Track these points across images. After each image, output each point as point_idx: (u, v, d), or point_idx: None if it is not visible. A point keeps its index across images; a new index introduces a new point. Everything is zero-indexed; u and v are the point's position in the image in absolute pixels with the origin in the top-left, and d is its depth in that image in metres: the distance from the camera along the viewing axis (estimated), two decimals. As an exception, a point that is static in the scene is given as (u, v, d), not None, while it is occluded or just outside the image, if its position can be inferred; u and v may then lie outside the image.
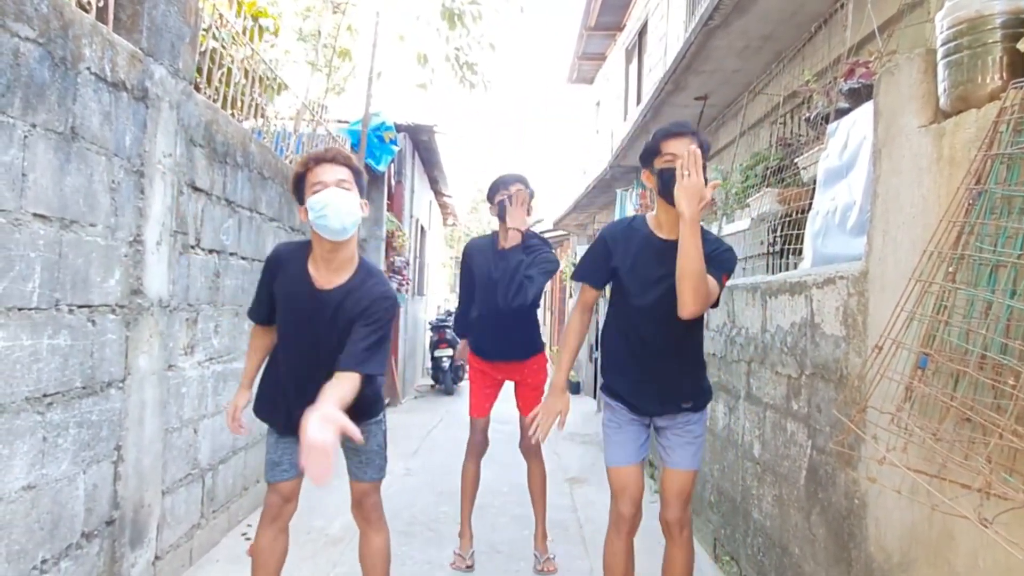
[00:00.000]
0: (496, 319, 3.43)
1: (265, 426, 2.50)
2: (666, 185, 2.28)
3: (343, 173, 2.21)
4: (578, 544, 3.91)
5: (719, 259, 2.37)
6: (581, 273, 2.61)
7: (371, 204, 7.91)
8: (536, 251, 3.35)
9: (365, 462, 2.48)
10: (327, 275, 2.28)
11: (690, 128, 2.38)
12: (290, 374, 2.37)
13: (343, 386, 2.09)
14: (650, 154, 2.38)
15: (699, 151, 2.21)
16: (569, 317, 2.68)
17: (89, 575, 2.47)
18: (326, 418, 1.88)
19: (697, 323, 2.48)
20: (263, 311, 2.46)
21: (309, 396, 2.04)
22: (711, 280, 2.27)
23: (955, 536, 1.72)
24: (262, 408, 2.50)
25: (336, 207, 2.14)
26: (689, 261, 2.18)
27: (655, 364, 2.47)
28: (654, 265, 2.39)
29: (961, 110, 1.79)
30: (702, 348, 2.66)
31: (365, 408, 2.38)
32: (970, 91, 1.76)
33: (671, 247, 2.29)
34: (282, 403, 2.37)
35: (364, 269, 2.32)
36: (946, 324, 1.65)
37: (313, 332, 2.28)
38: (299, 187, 2.26)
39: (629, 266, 2.46)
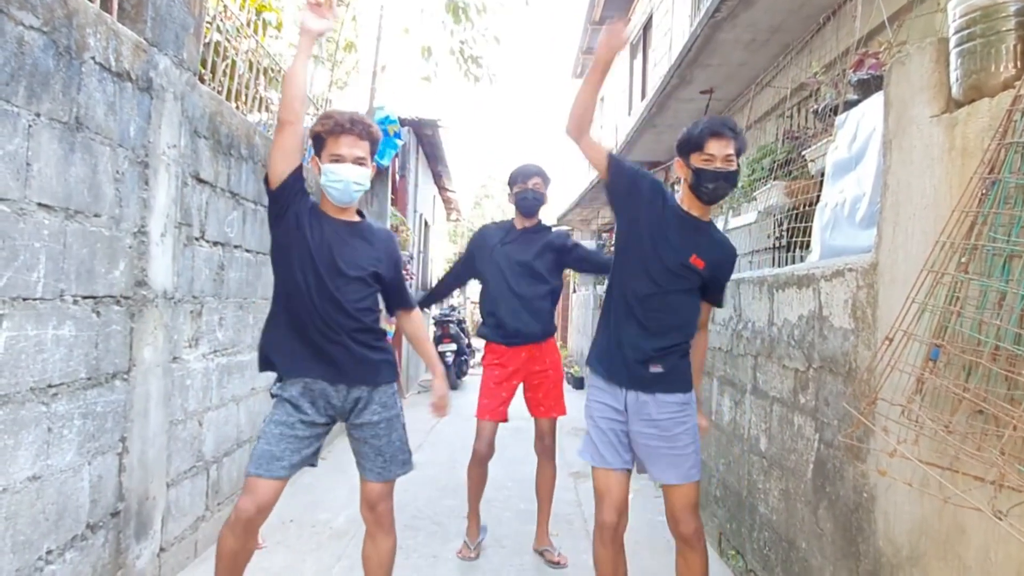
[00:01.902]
0: (518, 297, 3.48)
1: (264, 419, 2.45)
2: (699, 182, 2.39)
3: (362, 149, 2.32)
4: (583, 538, 3.90)
5: (723, 283, 2.56)
6: (630, 165, 2.59)
7: (375, 198, 7.88)
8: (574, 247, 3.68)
9: (389, 459, 2.43)
10: (341, 214, 2.43)
11: (734, 130, 2.40)
12: (313, 311, 2.32)
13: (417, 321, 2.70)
14: (691, 147, 2.40)
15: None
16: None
17: (94, 566, 2.47)
18: None
19: (691, 301, 2.49)
20: (294, 166, 2.37)
21: (342, 328, 2.32)
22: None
23: (966, 530, 1.71)
24: (291, 364, 2.37)
25: (347, 183, 2.31)
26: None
27: (641, 319, 2.42)
28: (673, 230, 2.44)
29: (974, 99, 1.77)
30: (691, 328, 2.52)
31: (382, 363, 2.43)
32: (983, 80, 1.74)
33: (692, 221, 2.47)
34: (310, 349, 2.34)
35: (361, 214, 2.53)
36: (958, 315, 1.63)
37: (331, 256, 2.33)
38: (318, 142, 2.35)
39: (651, 220, 2.45)
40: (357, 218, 2.48)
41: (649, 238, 2.43)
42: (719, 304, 2.64)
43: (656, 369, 2.41)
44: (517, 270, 3.49)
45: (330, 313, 2.32)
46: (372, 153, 2.38)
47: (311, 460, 2.43)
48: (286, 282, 2.37)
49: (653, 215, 2.45)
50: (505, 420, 3.58)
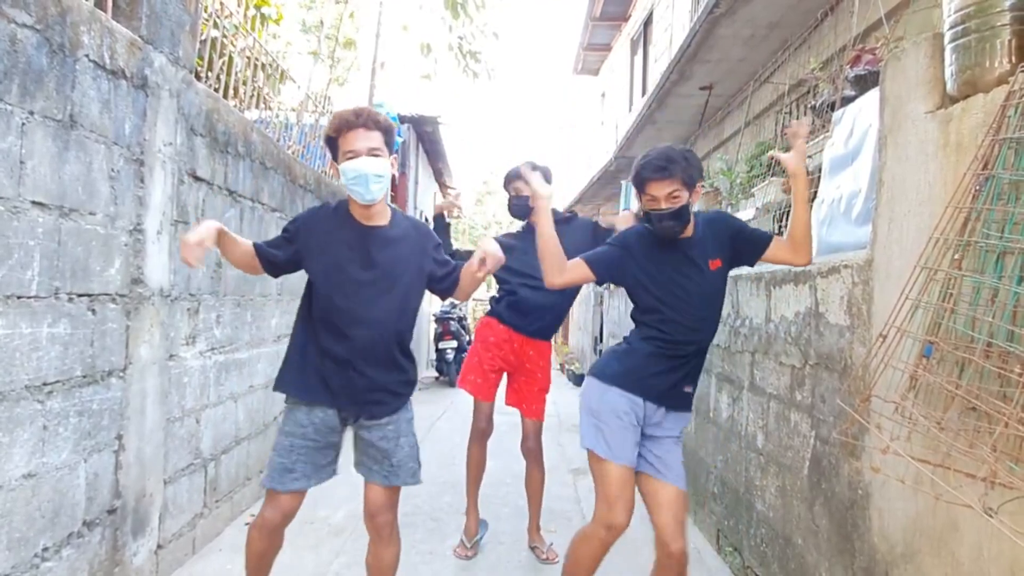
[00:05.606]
0: (535, 297, 3.41)
1: (270, 418, 2.46)
2: (648, 222, 2.37)
3: (375, 139, 2.25)
4: (581, 535, 3.90)
5: (749, 230, 2.46)
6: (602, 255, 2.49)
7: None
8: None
9: (397, 465, 2.35)
10: (369, 217, 2.35)
11: (676, 167, 2.26)
12: (348, 342, 2.27)
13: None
14: (637, 188, 2.37)
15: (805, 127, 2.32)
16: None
17: (91, 563, 2.48)
18: None
19: (720, 304, 2.48)
20: (271, 254, 2.35)
21: (379, 356, 2.29)
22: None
23: (959, 527, 1.71)
24: (296, 383, 2.34)
25: (366, 178, 2.23)
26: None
27: (681, 344, 2.40)
28: (669, 260, 2.40)
29: (968, 95, 1.76)
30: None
31: (404, 374, 2.39)
32: (978, 75, 1.73)
33: (679, 242, 2.40)
34: (340, 379, 2.29)
35: (394, 211, 2.45)
36: (952, 312, 1.63)
37: (370, 273, 2.28)
38: (332, 146, 2.30)
39: (649, 264, 2.42)
40: (383, 222, 2.36)
41: (656, 278, 2.39)
42: (767, 239, 2.43)
43: (688, 389, 2.46)
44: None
45: (357, 336, 2.27)
46: (388, 144, 2.30)
47: (331, 470, 2.38)
48: (313, 310, 2.33)
49: (646, 262, 2.40)
50: (492, 400, 3.59)
